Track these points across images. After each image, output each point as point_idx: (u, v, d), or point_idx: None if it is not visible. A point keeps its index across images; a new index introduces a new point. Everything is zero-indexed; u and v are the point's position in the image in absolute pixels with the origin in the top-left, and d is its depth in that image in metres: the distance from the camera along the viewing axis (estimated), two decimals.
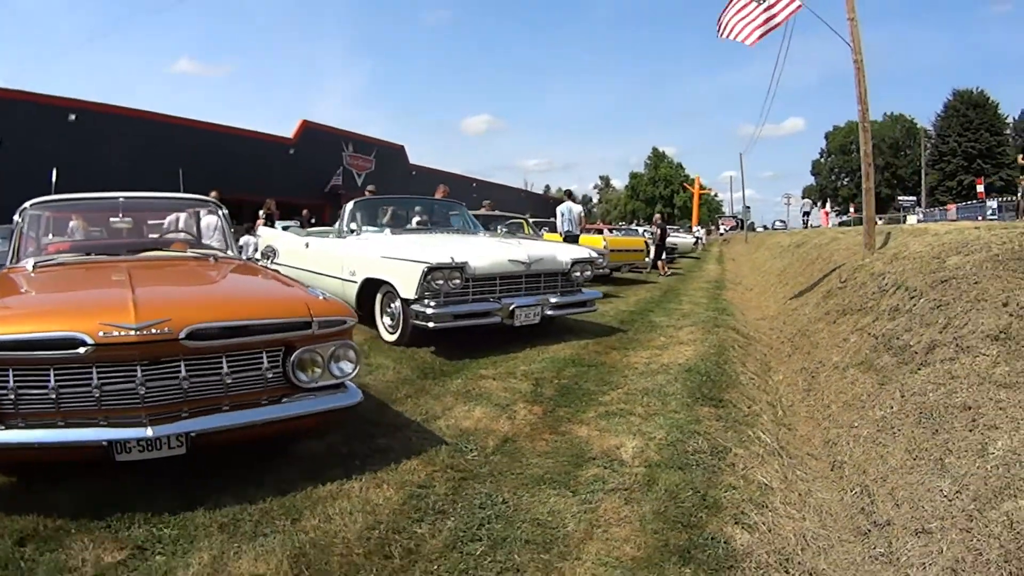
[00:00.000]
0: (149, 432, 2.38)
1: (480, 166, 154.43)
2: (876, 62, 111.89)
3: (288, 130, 28.02)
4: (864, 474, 3.26)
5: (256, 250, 8.88)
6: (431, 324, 4.66)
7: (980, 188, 26.04)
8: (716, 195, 60.60)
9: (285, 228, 8.59)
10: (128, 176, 18.68)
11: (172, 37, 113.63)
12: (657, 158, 72.26)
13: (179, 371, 2.50)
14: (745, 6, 8.62)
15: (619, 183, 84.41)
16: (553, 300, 5.34)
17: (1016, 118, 54.02)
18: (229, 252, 4.17)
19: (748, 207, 50.93)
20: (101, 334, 2.27)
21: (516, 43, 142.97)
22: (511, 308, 5.02)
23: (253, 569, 2.11)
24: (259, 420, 2.66)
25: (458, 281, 4.73)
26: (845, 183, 66.33)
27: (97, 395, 2.35)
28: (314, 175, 27.76)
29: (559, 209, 11.89)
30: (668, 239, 24.42)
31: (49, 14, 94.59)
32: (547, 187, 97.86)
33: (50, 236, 3.97)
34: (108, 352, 2.29)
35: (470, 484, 2.73)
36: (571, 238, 10.67)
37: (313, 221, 11.58)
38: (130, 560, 2.11)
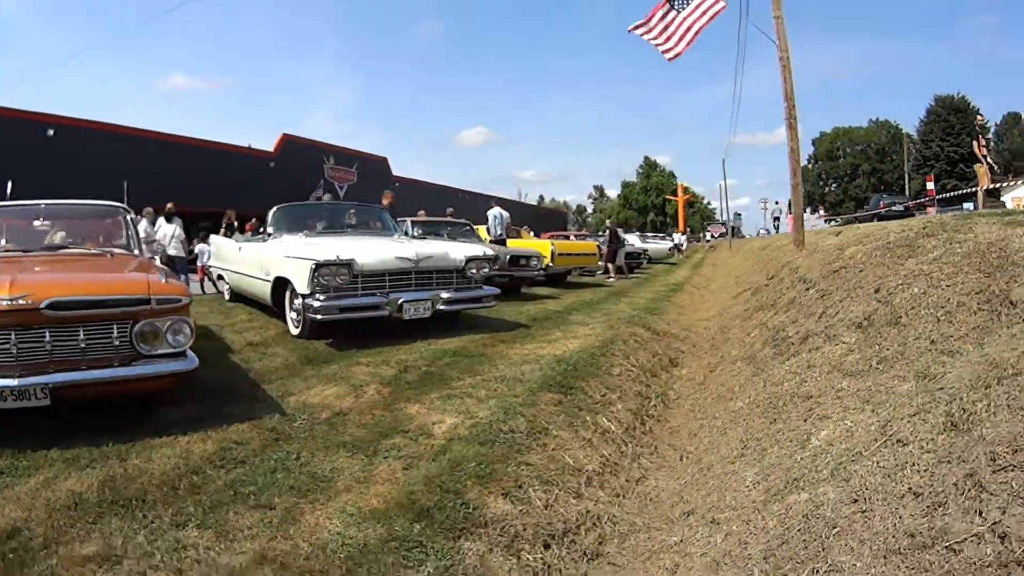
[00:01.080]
0: (15, 381, 2.97)
1: (478, 178, 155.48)
2: (865, 71, 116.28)
3: (271, 144, 28.56)
4: (698, 463, 3.57)
5: (209, 257, 9.34)
6: (319, 316, 5.12)
7: (930, 186, 26.49)
8: (708, 203, 61.23)
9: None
10: (106, 189, 19.27)
11: (165, 52, 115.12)
12: (649, 167, 74.16)
13: (44, 336, 3.09)
14: (665, 15, 8.98)
15: (614, 192, 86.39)
16: (445, 296, 5.76)
17: (998, 123, 55.34)
18: (135, 251, 4.62)
19: (739, 214, 51.91)
20: None
21: (510, 55, 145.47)
22: (399, 302, 5.43)
23: (72, 487, 2.69)
24: (108, 378, 3.24)
25: (346, 277, 5.16)
26: (832, 188, 69.06)
27: None
28: (295, 187, 28.29)
29: (489, 214, 12.37)
30: (641, 244, 24.88)
31: (40, 28, 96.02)
32: (541, 197, 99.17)
33: None
34: None
35: (280, 444, 3.19)
36: (499, 241, 11.16)
37: (235, 226, 12.09)
38: None
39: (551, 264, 12.51)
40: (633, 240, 27.04)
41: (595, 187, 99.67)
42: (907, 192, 46.43)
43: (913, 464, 2.02)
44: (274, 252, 6.12)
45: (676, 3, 9.24)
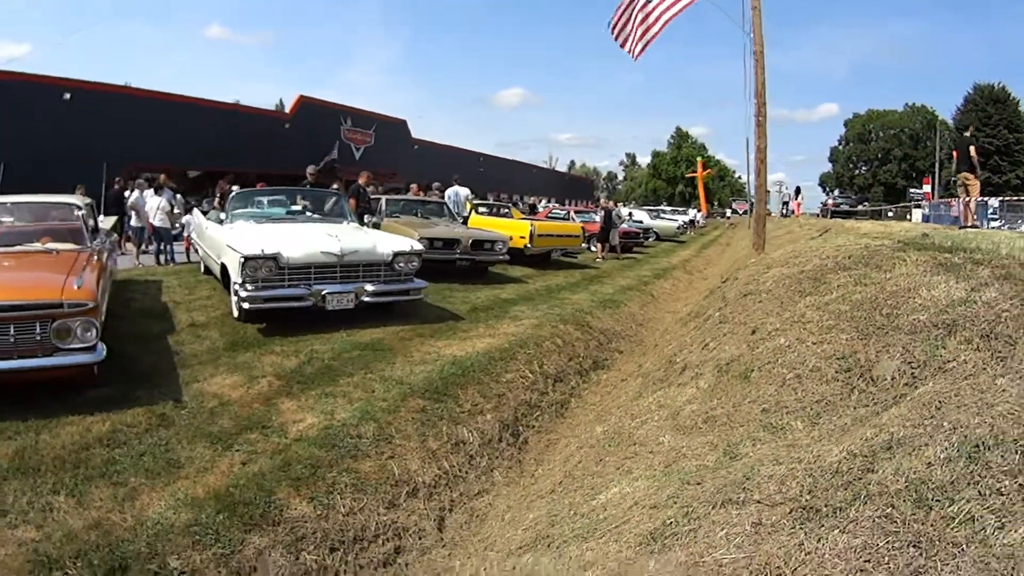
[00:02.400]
0: None
1: (513, 138, 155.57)
2: (903, 54, 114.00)
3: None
4: (541, 484, 4.05)
5: (193, 228, 10.12)
6: (245, 305, 5.91)
7: (926, 188, 26.02)
8: (739, 177, 60.67)
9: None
10: (122, 152, 20.49)
11: (204, 3, 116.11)
12: (681, 138, 73.89)
13: None
14: (639, 9, 9.13)
15: (646, 160, 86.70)
16: (370, 288, 6.45)
17: None
18: (85, 244, 5.37)
19: (768, 191, 51.60)
20: None
21: (552, 18, 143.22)
22: (323, 293, 6.15)
23: None
24: (33, 366, 4.12)
25: (272, 269, 5.87)
26: (862, 171, 69.43)
27: None
28: (312, 150, 29.15)
29: (447, 193, 12.86)
30: (649, 222, 25.07)
31: None
32: (572, 163, 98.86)
33: None
34: None
35: (160, 430, 4.02)
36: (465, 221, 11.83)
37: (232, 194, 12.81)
38: None
39: (530, 245, 13.02)
40: (641, 216, 27.13)
41: (627, 155, 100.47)
42: (937, 181, 45.64)
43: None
44: (222, 238, 6.86)
45: None
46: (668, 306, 11.60)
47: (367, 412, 4.48)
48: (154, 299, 7.72)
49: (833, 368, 3.30)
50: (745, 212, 52.02)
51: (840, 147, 71.96)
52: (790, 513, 1.64)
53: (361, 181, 11.23)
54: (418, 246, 7.03)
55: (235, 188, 14.49)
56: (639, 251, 20.56)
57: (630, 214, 27.18)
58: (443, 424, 4.61)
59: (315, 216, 7.99)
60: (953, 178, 12.57)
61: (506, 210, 16.39)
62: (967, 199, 11.60)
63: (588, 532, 2.38)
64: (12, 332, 4.01)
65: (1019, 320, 2.78)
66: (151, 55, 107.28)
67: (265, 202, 8.15)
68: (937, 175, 46.56)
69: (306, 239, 6.48)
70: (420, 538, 3.58)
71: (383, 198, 12.00)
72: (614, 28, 9.46)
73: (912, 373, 2.88)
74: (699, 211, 39.17)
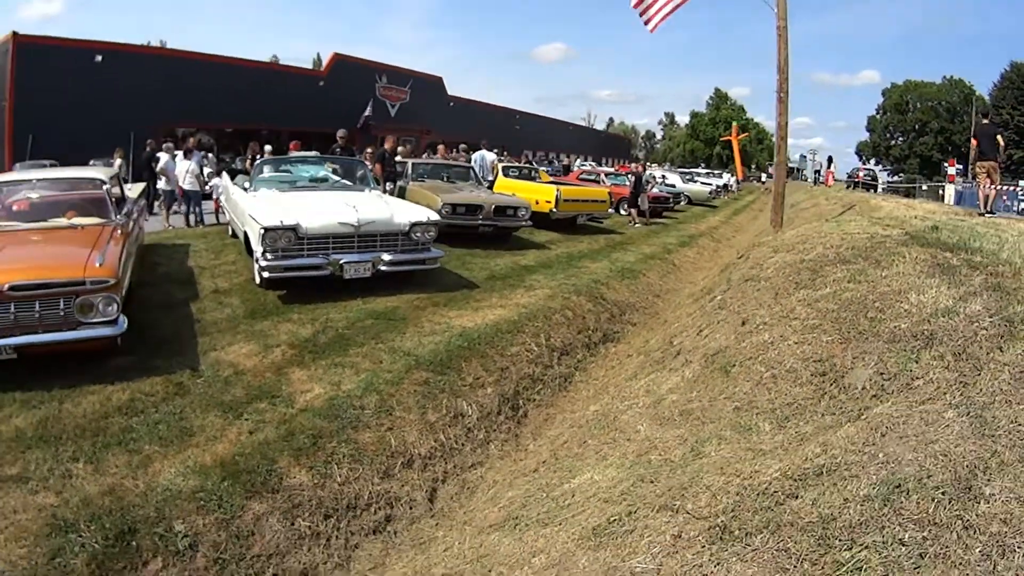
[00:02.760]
0: None
1: (551, 94, 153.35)
2: (944, 23, 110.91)
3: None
4: (533, 460, 4.24)
5: (222, 192, 10.39)
6: (265, 274, 6.09)
7: (951, 171, 24.74)
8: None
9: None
10: (155, 113, 20.96)
11: None
12: (719, 99, 73.17)
13: (10, 308, 4.25)
14: None
15: (685, 120, 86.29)
16: (387, 257, 6.58)
17: None
18: (110, 217, 5.60)
19: (805, 156, 51.20)
20: None
21: None
22: (340, 263, 6.29)
23: (18, 423, 3.91)
24: (58, 340, 4.41)
25: (291, 239, 6.04)
26: (898, 142, 69.96)
27: None
28: (346, 107, 29.38)
29: (473, 157, 12.79)
30: (681, 186, 24.65)
31: None
32: (610, 120, 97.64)
33: None
34: None
35: (176, 399, 4.27)
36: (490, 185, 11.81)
37: (264, 154, 12.98)
38: None
39: (555, 210, 12.99)
40: (674, 180, 26.65)
41: (666, 114, 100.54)
42: (969, 158, 44.30)
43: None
44: (245, 206, 7.05)
45: None
46: (689, 276, 11.48)
47: (371, 384, 4.68)
48: (180, 264, 8.03)
49: (809, 371, 3.34)
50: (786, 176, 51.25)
51: (877, 116, 72.30)
52: (708, 530, 1.68)
53: (387, 145, 11.28)
54: (434, 216, 7.11)
55: (267, 148, 14.81)
56: (669, 216, 20.28)
57: (663, 177, 26.69)
58: (443, 397, 4.78)
59: (337, 184, 8.11)
60: (972, 164, 12.01)
61: (534, 173, 16.27)
62: (989, 186, 11.13)
63: (550, 518, 2.50)
64: (37, 308, 4.27)
65: (993, 340, 2.71)
66: (185, 10, 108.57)
67: (289, 169, 8.28)
68: (970, 152, 45.09)
69: (325, 209, 6.61)
70: (411, 508, 3.78)
71: (409, 162, 12.05)
72: (637, 5, 9.17)
73: (882, 385, 2.87)
74: (734, 175, 38.28)
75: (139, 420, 3.99)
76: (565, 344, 6.51)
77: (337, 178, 8.37)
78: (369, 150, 11.83)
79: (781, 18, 8.56)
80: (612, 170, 25.86)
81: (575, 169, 24.41)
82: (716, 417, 3.33)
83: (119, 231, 5.43)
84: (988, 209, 10.59)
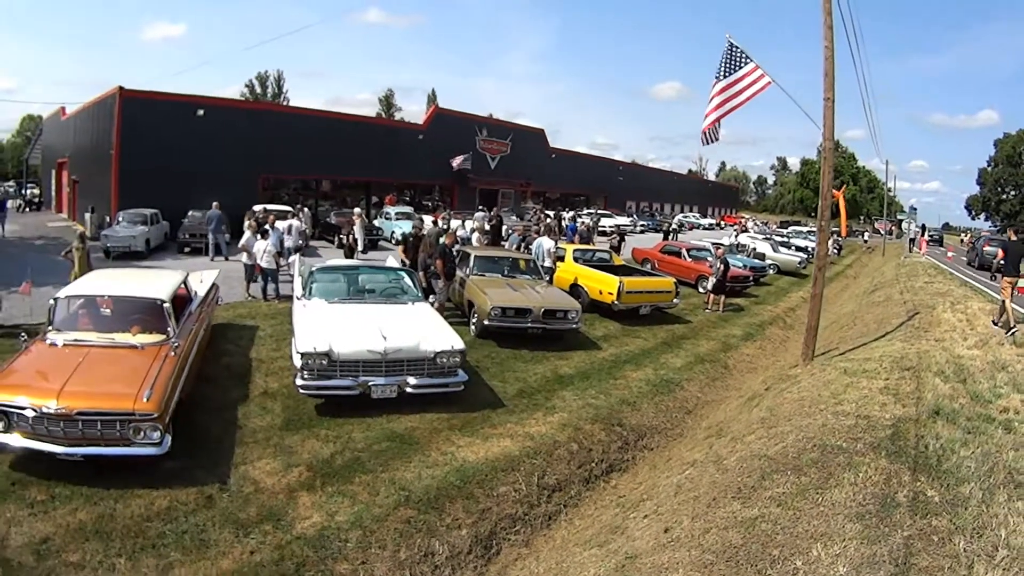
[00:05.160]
0: (62, 449, 5.88)
1: (667, 133, 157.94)
2: None
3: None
4: None
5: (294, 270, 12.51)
6: (301, 392, 7.63)
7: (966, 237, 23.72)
8: (889, 188, 58.67)
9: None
10: (253, 165, 24.55)
11: None
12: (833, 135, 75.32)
13: (78, 425, 5.94)
14: (718, 95, 10.16)
15: (797, 165, 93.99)
16: (412, 381, 8.02)
17: None
18: (170, 336, 7.36)
19: (915, 208, 50.61)
20: (38, 407, 5.81)
21: (715, 14, 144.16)
22: (369, 384, 7.78)
23: (81, 517, 5.55)
24: (112, 454, 6.09)
25: (325, 362, 7.60)
26: (1011, 196, 73.30)
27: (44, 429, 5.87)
28: (444, 160, 32.23)
29: (532, 246, 14.66)
30: (770, 255, 25.61)
31: None
32: (722, 164, 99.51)
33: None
34: (43, 415, 5.81)
35: (204, 511, 5.88)
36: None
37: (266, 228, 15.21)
38: None
39: (617, 302, 14.34)
40: (764, 249, 27.50)
41: (778, 159, 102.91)
42: None
43: None
44: (295, 316, 8.78)
45: (721, 76, 10.23)
46: (739, 381, 12.13)
47: (360, 518, 6.00)
48: (243, 354, 9.92)
49: None
50: (889, 233, 50.42)
51: (988, 169, 74.65)
52: None
53: (387, 203, 13.11)
54: (459, 345, 8.41)
55: (356, 211, 17.22)
56: (751, 292, 21.30)
57: (753, 251, 27.15)
58: (419, 536, 5.99)
59: (384, 292, 9.88)
60: (994, 276, 12.50)
61: (606, 254, 17.70)
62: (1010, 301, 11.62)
63: None
64: (99, 427, 5.98)
65: None
66: (306, 38, 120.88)
67: (340, 278, 10.04)
68: None
69: (359, 334, 8.12)
70: None
71: (473, 254, 13.62)
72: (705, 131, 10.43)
73: None
74: (838, 231, 37.84)
75: (171, 528, 5.52)
76: (560, 481, 7.55)
77: (385, 284, 10.11)
78: (357, 209, 13.65)
79: (828, 139, 9.49)
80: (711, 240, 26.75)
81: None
82: None
83: (173, 353, 7.04)
84: (1012, 326, 11.10)
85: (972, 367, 8.70)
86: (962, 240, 55.74)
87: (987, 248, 28.67)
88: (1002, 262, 12.01)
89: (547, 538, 6.62)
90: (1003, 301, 11.51)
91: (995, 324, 11.90)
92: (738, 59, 10.03)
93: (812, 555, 4.25)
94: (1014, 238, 12.47)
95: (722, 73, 10.02)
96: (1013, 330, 10.93)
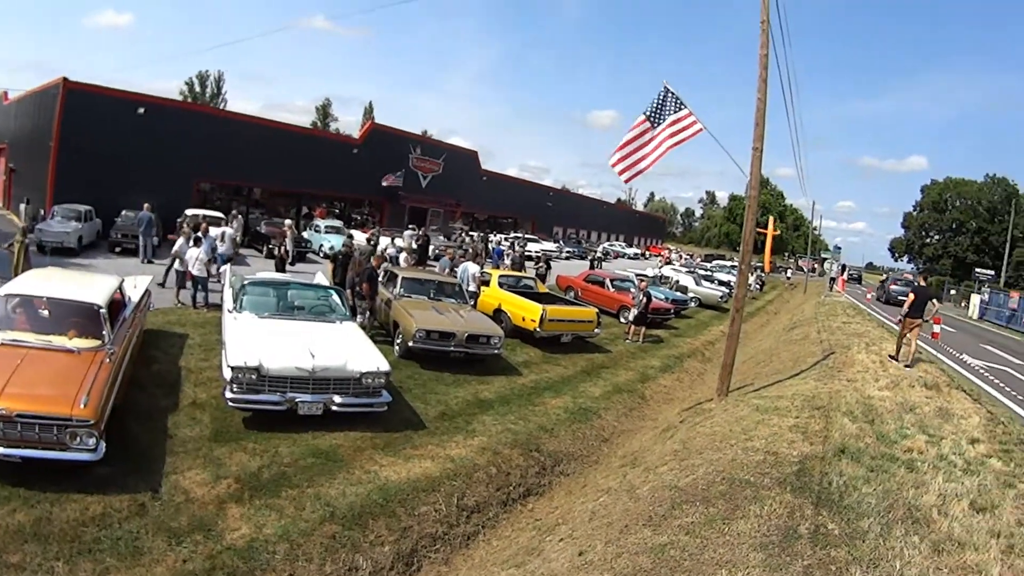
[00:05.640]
0: (2, 450, 6.15)
1: (599, 160, 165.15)
2: (994, 117, 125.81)
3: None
4: None
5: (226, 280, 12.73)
6: (230, 404, 8.04)
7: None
8: (816, 228, 63.23)
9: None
10: (189, 167, 24.35)
11: None
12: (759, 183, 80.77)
13: (17, 427, 6.23)
14: (638, 137, 10.95)
15: (726, 199, 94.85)
16: (338, 399, 8.58)
17: None
18: (105, 343, 7.63)
19: (839, 247, 55.54)
20: None
21: (654, 49, 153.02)
22: (296, 401, 8.26)
23: (20, 519, 5.86)
24: (50, 457, 6.39)
25: (254, 377, 8.04)
26: (933, 240, 78.10)
27: None
28: (378, 175, 32.68)
29: (458, 271, 15.96)
30: (693, 289, 27.33)
31: None
32: (651, 195, 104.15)
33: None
34: None
35: (135, 519, 6.28)
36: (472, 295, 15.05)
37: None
38: None
39: (539, 329, 15.18)
40: (687, 282, 29.29)
41: (707, 192, 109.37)
42: (1006, 262, 51.33)
43: None
44: (225, 329, 9.20)
45: (653, 118, 10.93)
46: (655, 412, 13.12)
47: (287, 532, 6.52)
48: (172, 362, 10.20)
49: None
50: (812, 271, 54.44)
51: (914, 213, 79.07)
52: None
53: (316, 214, 13.78)
54: (385, 367, 9.01)
55: (288, 222, 17.50)
56: (672, 324, 22.64)
57: (676, 283, 28.86)
58: (344, 551, 6.56)
59: (314, 310, 10.43)
60: (900, 318, 13.92)
61: (529, 281, 18.65)
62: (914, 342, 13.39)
63: None
64: (37, 430, 6.26)
65: None
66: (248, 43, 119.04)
67: (271, 292, 10.54)
68: (1007, 253, 51.06)
69: (287, 351, 8.62)
70: None
71: (401, 275, 14.20)
72: (615, 164, 11.21)
73: None
74: (761, 267, 40.61)
75: (106, 534, 5.89)
76: (479, 503, 8.26)
77: (315, 301, 10.63)
78: (288, 221, 14.12)
79: (757, 140, 10.57)
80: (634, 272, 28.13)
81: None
82: None
83: (108, 360, 7.31)
84: (908, 363, 12.89)
85: (881, 408, 9.55)
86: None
87: (893, 287, 36.67)
88: (909, 306, 13.20)
89: (466, 557, 7.30)
90: (908, 339, 13.10)
91: (892, 358, 13.41)
92: (672, 104, 10.70)
93: None
94: (922, 283, 14.09)
95: (653, 115, 10.69)
96: (910, 368, 12.53)
